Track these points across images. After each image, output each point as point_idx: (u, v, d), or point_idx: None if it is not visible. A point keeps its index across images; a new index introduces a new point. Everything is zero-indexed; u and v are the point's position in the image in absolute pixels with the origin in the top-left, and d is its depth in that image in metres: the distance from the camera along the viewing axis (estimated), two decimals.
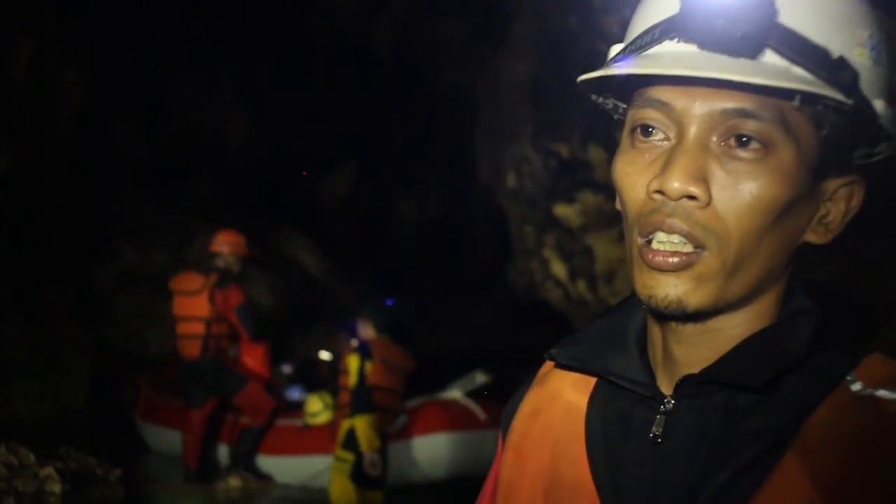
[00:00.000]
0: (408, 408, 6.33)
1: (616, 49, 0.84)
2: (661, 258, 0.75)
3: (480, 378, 6.48)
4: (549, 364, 0.93)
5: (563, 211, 7.62)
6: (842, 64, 0.73)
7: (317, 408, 6.38)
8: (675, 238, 0.75)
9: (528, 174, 7.84)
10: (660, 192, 0.75)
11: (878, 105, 0.76)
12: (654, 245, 0.76)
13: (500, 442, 0.95)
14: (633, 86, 0.81)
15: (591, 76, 0.80)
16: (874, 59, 0.76)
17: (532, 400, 0.93)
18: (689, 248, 0.75)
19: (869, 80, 0.75)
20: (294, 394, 6.85)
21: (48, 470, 4.38)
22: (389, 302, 6.18)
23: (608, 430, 0.84)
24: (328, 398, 6.35)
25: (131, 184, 9.87)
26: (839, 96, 0.73)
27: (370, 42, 11.80)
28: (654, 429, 0.79)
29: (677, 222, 0.75)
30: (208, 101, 11.05)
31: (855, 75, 0.73)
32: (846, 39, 0.75)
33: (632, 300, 0.88)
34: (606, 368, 0.84)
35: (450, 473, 6.27)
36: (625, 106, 0.86)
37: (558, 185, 7.69)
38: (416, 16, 11.26)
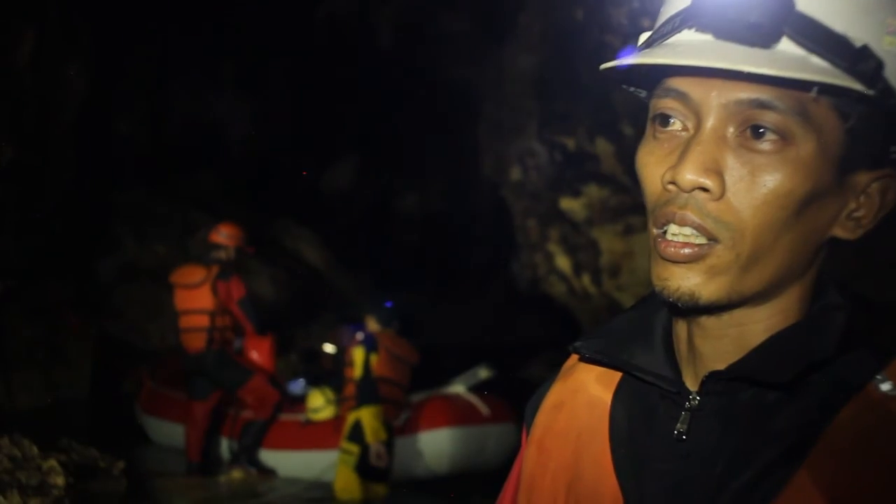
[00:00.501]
0: (411, 403, 6.32)
1: (644, 37, 0.82)
2: (673, 249, 0.74)
3: (484, 373, 6.47)
4: (573, 358, 0.93)
5: (568, 204, 7.60)
6: (864, 53, 0.70)
7: (318, 403, 6.37)
8: (688, 230, 0.74)
9: (534, 167, 7.82)
10: (673, 183, 0.74)
11: None
12: (668, 236, 0.75)
13: (523, 435, 0.95)
14: (657, 75, 0.80)
15: (605, 67, 0.80)
16: None
17: (556, 393, 0.92)
18: (701, 241, 0.74)
19: None
20: (296, 388, 6.83)
21: (51, 462, 4.37)
22: (389, 304, 6.18)
23: (632, 425, 0.83)
24: (330, 393, 6.34)
25: (133, 175, 9.85)
26: (859, 87, 0.70)
27: (374, 34, 11.77)
28: (678, 426, 0.78)
29: (689, 214, 0.74)
30: (210, 93, 11.03)
31: (878, 65, 0.70)
32: (873, 27, 0.72)
33: (655, 296, 0.86)
34: (631, 363, 0.83)
35: (452, 468, 6.27)
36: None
37: (563, 178, 7.67)
38: (421, 7, 11.23)
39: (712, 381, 0.77)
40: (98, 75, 8.42)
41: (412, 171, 12.23)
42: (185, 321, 6.31)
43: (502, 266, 10.46)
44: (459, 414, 6.28)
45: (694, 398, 0.79)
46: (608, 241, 7.49)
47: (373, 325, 6.04)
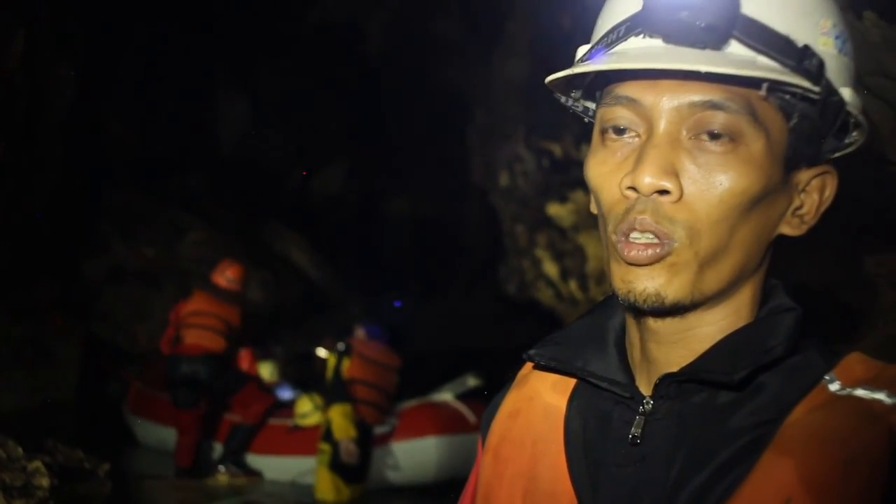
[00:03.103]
0: (398, 410, 6.33)
1: (583, 50, 0.84)
2: (636, 252, 0.75)
3: (471, 381, 6.48)
4: (528, 365, 0.93)
5: (555, 210, 7.61)
6: (807, 52, 0.73)
7: (306, 408, 6.39)
8: (649, 236, 0.75)
9: (521, 173, 7.84)
10: (632, 188, 0.75)
11: (846, 93, 0.77)
12: (630, 239, 0.76)
13: (479, 445, 0.95)
14: (600, 85, 0.82)
15: (557, 76, 0.81)
16: (839, 49, 0.77)
17: (511, 401, 0.92)
18: (659, 241, 0.75)
19: (835, 69, 0.76)
20: (284, 393, 6.85)
21: (36, 463, 4.34)
22: (375, 325, 6.27)
23: (587, 431, 0.83)
24: (318, 399, 6.36)
25: (122, 177, 9.82)
26: (806, 83, 0.73)
27: (364, 40, 11.78)
28: (632, 430, 0.79)
29: (647, 219, 0.75)
30: (201, 96, 11.00)
31: (821, 63, 0.74)
32: (810, 29, 0.75)
33: (611, 301, 0.88)
34: (585, 369, 0.84)
35: (439, 477, 6.26)
36: (594, 107, 0.86)
37: (551, 184, 7.69)
38: (411, 14, 11.25)
39: (665, 383, 0.78)
40: (88, 76, 8.39)
41: (402, 176, 12.23)
42: (204, 321, 6.29)
43: (490, 271, 10.48)
44: (446, 422, 6.28)
45: (647, 402, 0.80)
46: (594, 247, 7.52)
47: (360, 334, 6.13)
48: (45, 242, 8.03)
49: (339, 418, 5.77)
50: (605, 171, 0.79)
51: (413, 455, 6.22)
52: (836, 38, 0.77)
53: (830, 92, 0.75)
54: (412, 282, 10.87)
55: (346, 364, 5.93)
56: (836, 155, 0.80)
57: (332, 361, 6.00)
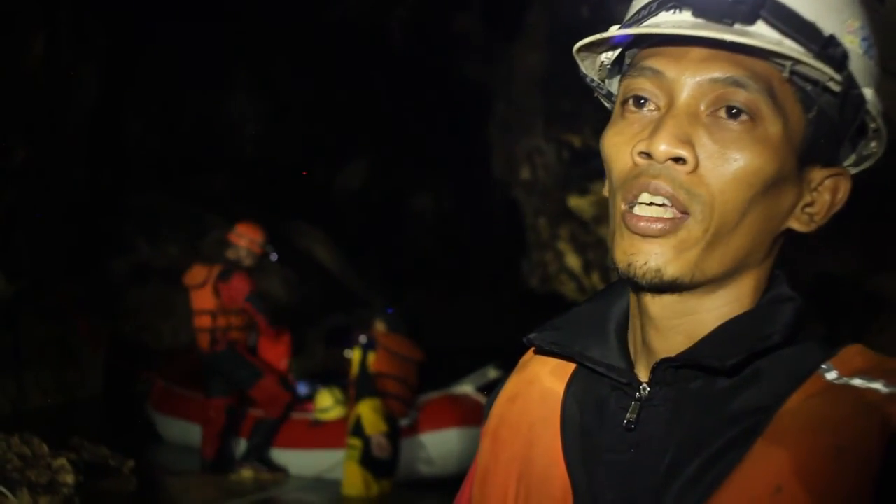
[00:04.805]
0: (419, 403, 6.33)
1: (615, 29, 0.83)
2: (644, 223, 0.74)
3: (493, 373, 6.47)
4: (531, 351, 0.93)
5: (576, 202, 7.58)
6: (833, 41, 0.74)
7: (327, 403, 6.40)
8: (660, 199, 0.74)
9: (542, 165, 7.82)
10: (646, 153, 0.74)
11: (867, 93, 0.77)
12: (637, 210, 0.75)
13: (482, 429, 0.95)
14: (626, 60, 0.82)
15: (588, 40, 0.80)
16: (864, 51, 0.77)
17: (512, 385, 0.93)
18: (671, 214, 0.74)
19: (858, 68, 0.76)
20: (302, 389, 6.87)
21: (61, 461, 4.38)
22: (390, 310, 6.24)
23: (584, 416, 0.83)
24: (339, 394, 6.37)
25: (145, 177, 9.90)
26: (829, 70, 0.72)
27: (385, 35, 11.78)
28: (628, 415, 0.79)
29: (662, 184, 0.74)
30: (223, 95, 11.06)
31: (845, 53, 0.74)
32: (838, 24, 0.75)
33: (614, 288, 0.88)
34: (584, 354, 0.83)
35: (460, 469, 6.24)
36: (609, 89, 0.87)
37: (571, 175, 7.65)
38: (431, 8, 11.24)
39: (662, 368, 0.77)
40: (111, 76, 8.46)
41: (424, 172, 12.24)
42: (195, 321, 6.35)
43: (513, 265, 10.46)
44: (467, 414, 6.27)
45: (644, 388, 0.79)
46: None
47: (380, 327, 6.13)
48: (70, 243, 8.11)
49: (370, 413, 5.77)
50: (620, 140, 0.78)
51: (434, 447, 6.22)
52: (863, 40, 0.77)
53: (852, 85, 0.75)
54: (434, 276, 10.87)
55: (372, 358, 5.94)
56: (855, 171, 0.81)
57: (357, 356, 5.99)
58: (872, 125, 0.78)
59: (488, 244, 11.98)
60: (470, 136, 10.92)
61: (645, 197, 0.75)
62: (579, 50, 0.84)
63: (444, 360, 6.49)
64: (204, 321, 6.26)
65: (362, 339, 6.06)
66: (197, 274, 6.38)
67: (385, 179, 12.34)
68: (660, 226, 0.74)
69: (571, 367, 0.88)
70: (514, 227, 10.14)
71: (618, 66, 0.86)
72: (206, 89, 10.71)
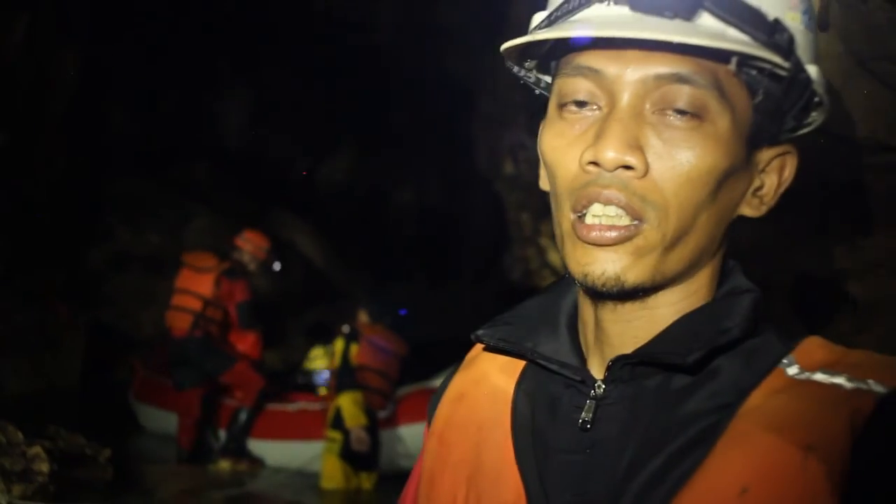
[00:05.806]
0: (398, 395, 6.33)
1: (539, 17, 0.79)
2: (597, 233, 0.72)
3: None
4: (478, 347, 0.90)
5: None
6: (778, 26, 0.71)
7: (317, 353, 6.48)
8: (612, 210, 0.71)
9: (525, 160, 7.81)
10: (594, 163, 0.71)
11: (812, 70, 0.74)
12: (589, 220, 0.72)
13: (426, 430, 0.91)
14: (557, 55, 0.77)
15: (514, 43, 0.75)
16: (806, 24, 0.74)
17: (457, 384, 0.89)
18: (626, 221, 0.72)
19: (803, 45, 0.73)
20: (322, 380, 6.86)
21: (36, 449, 4.35)
22: (378, 300, 6.27)
23: (536, 415, 0.80)
24: (330, 350, 6.41)
25: (126, 164, 9.82)
26: (777, 59, 0.70)
27: (368, 29, 11.73)
28: (583, 415, 0.76)
29: (615, 193, 0.71)
30: (206, 83, 10.99)
31: (791, 38, 0.71)
32: (779, 2, 0.72)
33: (564, 281, 0.85)
34: (535, 350, 0.80)
35: None
36: (547, 79, 0.83)
37: None
38: (415, 2, 11.20)
39: (618, 366, 0.75)
40: (91, 64, 8.38)
41: (408, 164, 12.21)
42: (178, 300, 6.31)
43: (496, 260, 10.46)
44: None
45: (599, 386, 0.76)
46: None
47: (363, 318, 6.12)
48: (50, 229, 8.04)
49: (350, 406, 5.76)
50: (562, 144, 0.75)
51: (412, 440, 6.23)
52: (804, 13, 0.74)
53: (799, 69, 0.72)
54: (417, 270, 10.86)
55: (354, 350, 5.92)
56: (796, 134, 0.78)
57: (339, 347, 5.96)
58: (815, 99, 0.76)
59: (471, 238, 11.98)
60: (453, 129, 10.90)
61: (597, 208, 0.72)
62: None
63: (424, 353, 6.48)
64: (191, 303, 6.24)
65: (345, 328, 6.04)
66: (204, 258, 6.43)
67: (369, 172, 12.31)
68: (614, 234, 0.71)
69: (521, 363, 0.84)
70: (496, 222, 10.13)
71: (551, 58, 0.81)
72: (189, 77, 10.63)
